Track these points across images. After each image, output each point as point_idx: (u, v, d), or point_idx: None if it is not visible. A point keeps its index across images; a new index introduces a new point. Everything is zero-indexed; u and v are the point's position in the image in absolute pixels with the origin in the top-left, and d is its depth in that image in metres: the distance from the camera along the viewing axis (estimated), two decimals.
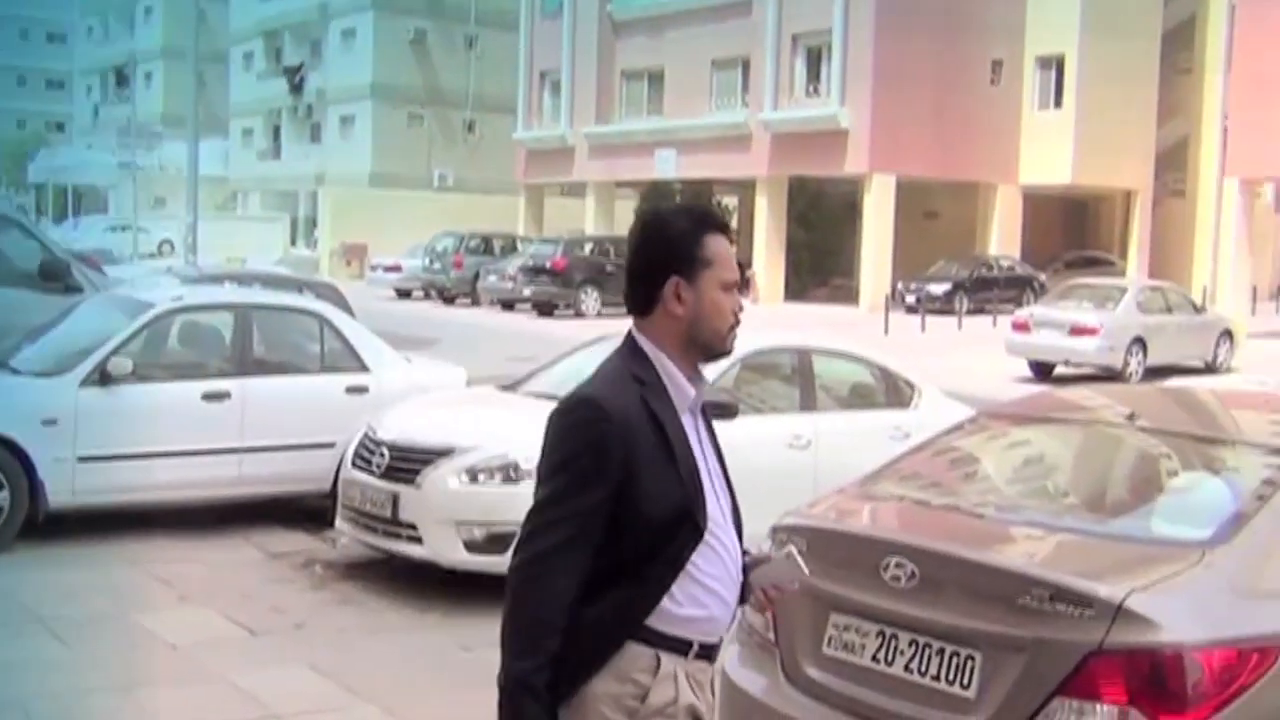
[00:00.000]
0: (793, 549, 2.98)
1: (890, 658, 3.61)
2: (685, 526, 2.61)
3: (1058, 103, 36.97)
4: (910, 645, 3.57)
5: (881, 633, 3.64)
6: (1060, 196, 39.48)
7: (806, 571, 2.91)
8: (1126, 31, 36.78)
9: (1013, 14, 36.58)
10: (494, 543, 7.22)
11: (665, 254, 2.66)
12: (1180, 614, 3.27)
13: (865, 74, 34.41)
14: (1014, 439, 4.73)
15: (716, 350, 2.72)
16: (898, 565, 3.59)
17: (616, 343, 2.78)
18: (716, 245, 2.67)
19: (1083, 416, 4.76)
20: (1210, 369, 21.74)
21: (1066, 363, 20.88)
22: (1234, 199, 29.79)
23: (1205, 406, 4.94)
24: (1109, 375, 20.08)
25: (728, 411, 7.88)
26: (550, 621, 2.54)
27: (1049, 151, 36.30)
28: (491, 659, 2.66)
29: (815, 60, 36.69)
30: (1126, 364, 20.37)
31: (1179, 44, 40.10)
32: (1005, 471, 4.61)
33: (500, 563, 7.43)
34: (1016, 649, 3.36)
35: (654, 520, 2.58)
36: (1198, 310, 23.21)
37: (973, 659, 3.45)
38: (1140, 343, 20.61)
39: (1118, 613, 3.23)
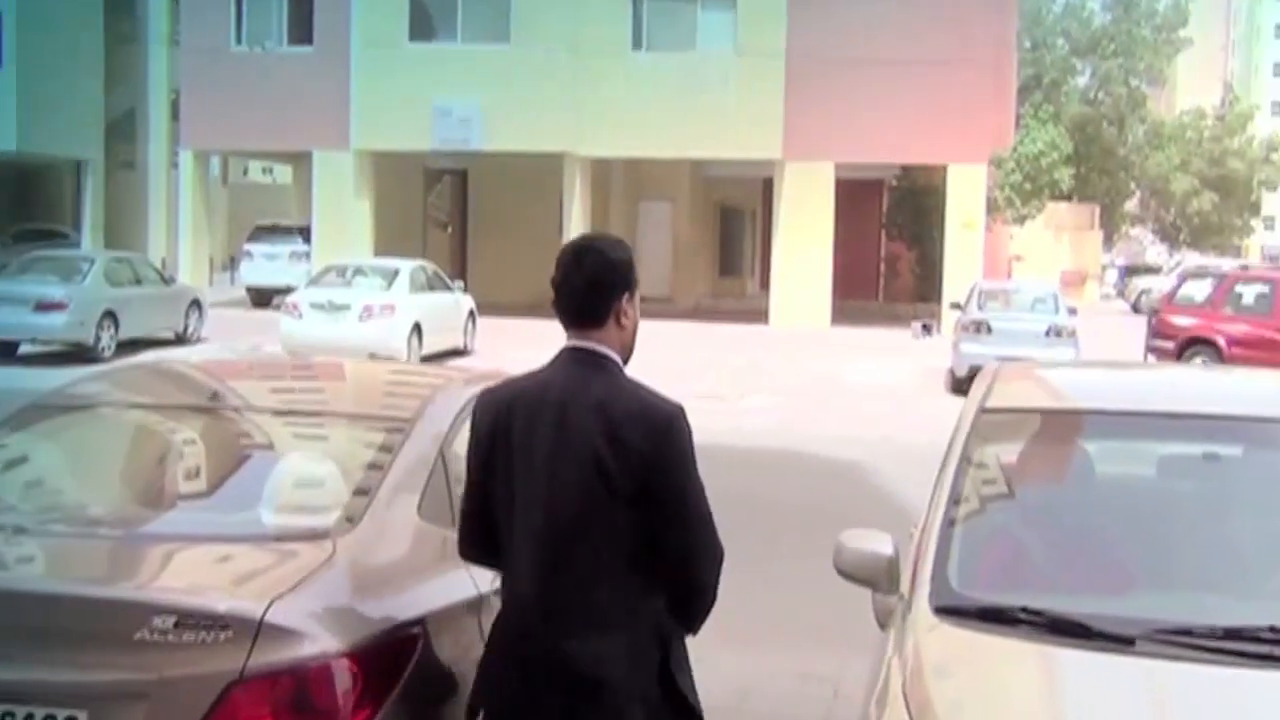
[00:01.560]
0: None
1: None
2: None
3: None
4: None
5: None
6: (7, 165, 36.94)
7: None
8: None
9: None
10: None
11: (624, 274, 2.98)
12: (323, 618, 2.86)
13: None
14: (74, 436, 3.93)
15: (628, 359, 3.02)
16: None
17: None
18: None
19: (156, 402, 4.10)
20: (182, 340, 21.75)
21: (33, 340, 19.47)
22: (189, 171, 30.14)
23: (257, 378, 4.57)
24: (80, 351, 19.13)
25: None
26: None
27: None
28: None
29: None
30: (99, 339, 19.53)
31: (120, 11, 39.53)
32: (86, 475, 3.81)
33: None
34: (136, 697, 2.69)
35: None
36: (166, 281, 23.04)
37: None
38: (112, 316, 19.87)
39: (259, 630, 2.72)
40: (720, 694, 5.91)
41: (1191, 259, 48.08)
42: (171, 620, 2.70)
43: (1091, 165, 48.26)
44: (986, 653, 2.96)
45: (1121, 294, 47.20)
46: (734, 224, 35.83)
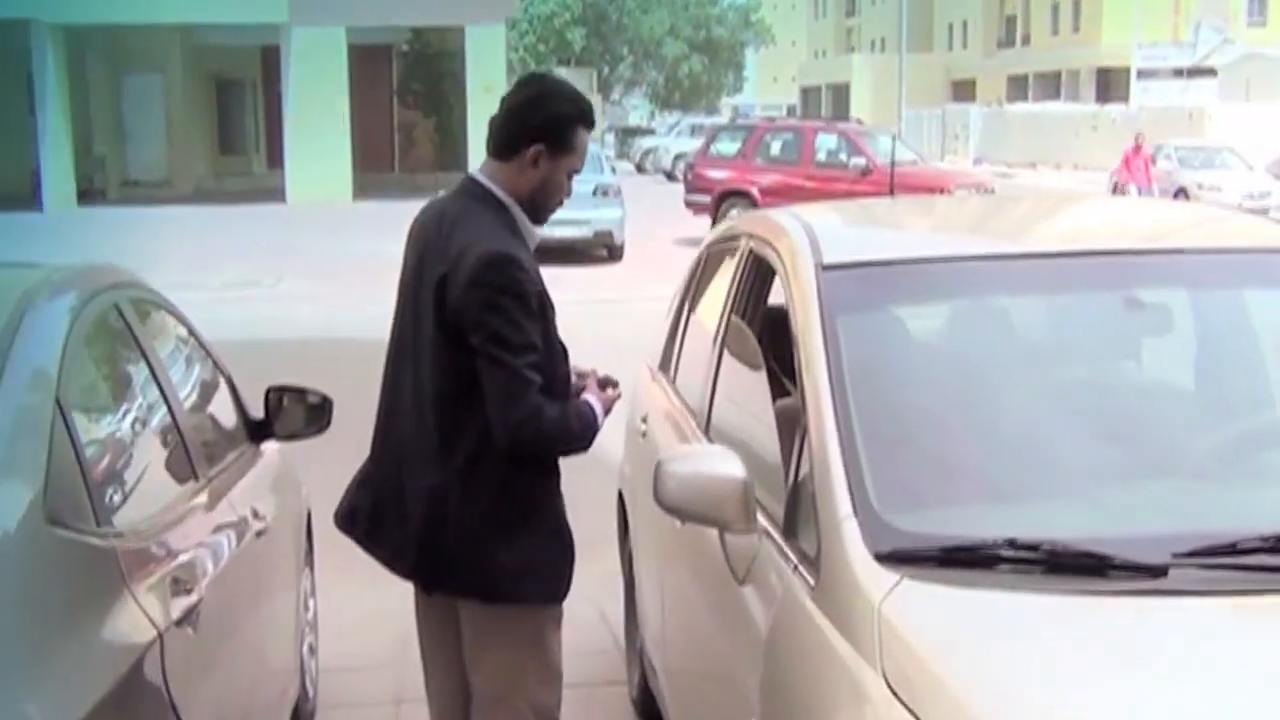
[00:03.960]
0: None
1: None
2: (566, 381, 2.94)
3: None
4: None
5: None
6: None
7: None
8: None
9: None
10: None
11: (544, 124, 2.89)
12: None
13: None
14: None
15: (541, 218, 2.98)
16: None
17: None
18: (582, 139, 2.95)
19: None
20: None
21: None
22: None
23: None
24: None
25: None
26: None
27: None
28: None
29: None
30: None
31: None
32: None
33: None
34: None
35: (558, 373, 2.88)
36: None
37: None
38: None
39: None
40: None
41: (681, 122, 49.76)
42: None
43: (589, 31, 48.61)
44: (1000, 618, 2.03)
45: (624, 155, 48.18)
46: (232, 97, 32.93)
